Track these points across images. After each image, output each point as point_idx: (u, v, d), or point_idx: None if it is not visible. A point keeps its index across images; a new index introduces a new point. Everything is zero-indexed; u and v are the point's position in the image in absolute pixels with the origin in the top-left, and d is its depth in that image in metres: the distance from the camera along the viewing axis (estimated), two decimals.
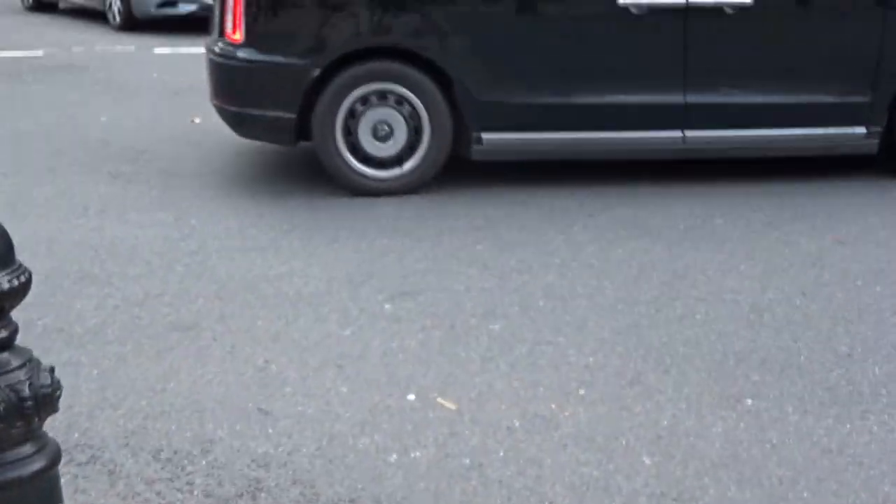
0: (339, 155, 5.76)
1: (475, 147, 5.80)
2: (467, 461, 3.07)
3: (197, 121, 7.53)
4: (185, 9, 12.14)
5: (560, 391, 3.52)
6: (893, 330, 3.98)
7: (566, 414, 3.35)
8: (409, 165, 5.81)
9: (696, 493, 2.88)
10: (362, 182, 5.80)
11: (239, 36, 5.71)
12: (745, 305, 4.25)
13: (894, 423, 3.26)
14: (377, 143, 5.76)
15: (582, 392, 3.51)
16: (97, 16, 13.63)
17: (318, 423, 3.29)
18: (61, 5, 14.99)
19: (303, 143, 5.96)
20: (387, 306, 4.26)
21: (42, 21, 14.26)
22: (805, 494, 2.86)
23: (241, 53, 5.74)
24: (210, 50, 6.03)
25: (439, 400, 3.46)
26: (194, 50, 10.17)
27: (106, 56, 10.54)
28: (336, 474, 3.00)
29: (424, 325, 4.07)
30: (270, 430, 3.25)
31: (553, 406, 3.41)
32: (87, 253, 4.87)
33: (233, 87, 5.88)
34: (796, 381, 3.58)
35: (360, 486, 2.93)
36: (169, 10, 12.24)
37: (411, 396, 3.49)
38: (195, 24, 10.81)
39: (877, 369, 3.65)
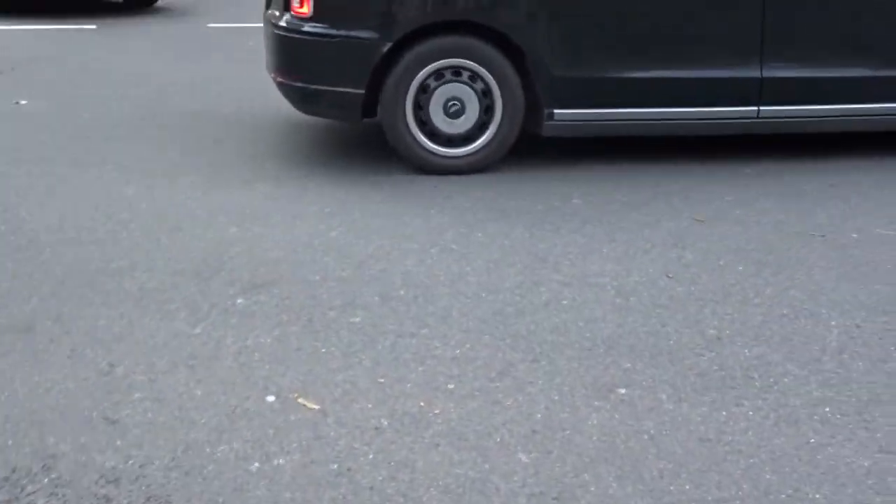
0: (409, 132, 5.68)
1: (547, 123, 5.73)
2: (335, 466, 2.93)
3: (23, 102, 7.14)
4: None
5: (428, 386, 3.41)
6: (758, 311, 4.01)
7: (436, 411, 3.25)
8: (479, 142, 5.72)
9: (577, 491, 2.81)
10: (431, 160, 5.73)
11: (307, 10, 5.58)
12: (611, 289, 4.22)
13: (769, 408, 3.26)
14: (449, 119, 5.67)
15: (451, 386, 3.41)
16: None
17: (171, 432, 3.10)
18: None
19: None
20: (239, 301, 4.08)
21: None
22: (687, 487, 2.83)
23: (308, 27, 5.61)
24: (273, 24, 5.84)
25: (300, 401, 3.31)
26: (15, 27, 9.71)
27: None
28: (194, 487, 2.82)
29: (280, 319, 3.91)
30: (119, 442, 3.04)
31: (421, 403, 3.30)
32: None
33: (299, 61, 5.76)
34: (667, 367, 3.55)
35: (220, 500, 2.77)
36: None
37: (270, 398, 3.32)
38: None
39: (746, 352, 3.66)
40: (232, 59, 8.95)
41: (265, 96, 7.38)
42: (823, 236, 4.82)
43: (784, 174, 5.81)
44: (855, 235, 4.83)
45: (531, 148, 6.20)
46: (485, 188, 5.53)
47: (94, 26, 10.15)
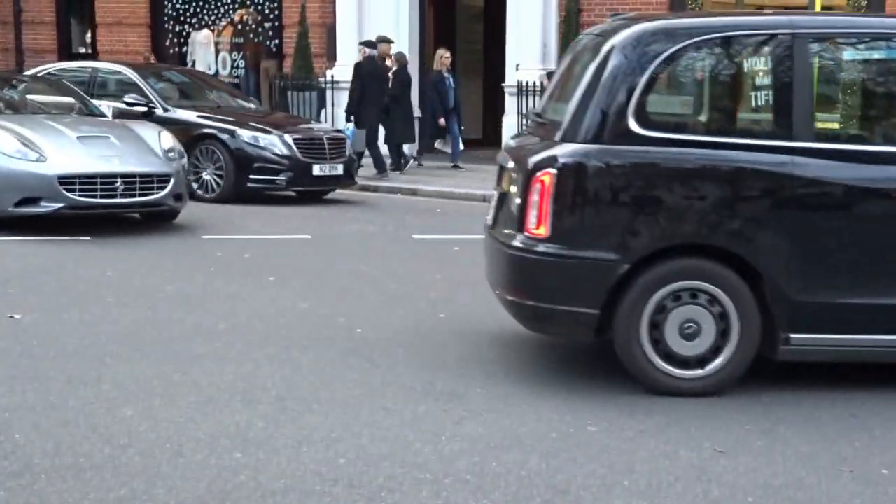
0: (643, 352, 5.68)
1: (783, 348, 5.71)
2: None
3: (17, 317, 7.06)
4: (49, 207, 10.16)
5: None
6: None
7: None
8: (714, 365, 5.70)
9: None
10: (664, 381, 5.70)
11: (544, 231, 5.66)
12: None
13: None
14: (684, 340, 5.66)
15: None
16: None
17: None
18: None
19: None
20: None
21: None
22: None
23: (544, 248, 5.68)
24: (503, 243, 5.91)
25: None
26: (9, 238, 9.76)
27: None
28: None
29: None
30: None
31: None
32: None
33: (532, 281, 5.80)
34: None
35: None
36: (29, 209, 10.20)
37: None
38: (55, 222, 10.32)
39: None
40: (227, 271, 8.94)
41: (264, 309, 7.34)
42: (852, 471, 4.70)
43: (802, 403, 5.72)
44: (885, 472, 4.71)
45: (535, 368, 6.12)
46: (496, 412, 5.41)
47: (88, 238, 10.19)
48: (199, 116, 14.09)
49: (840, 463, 4.82)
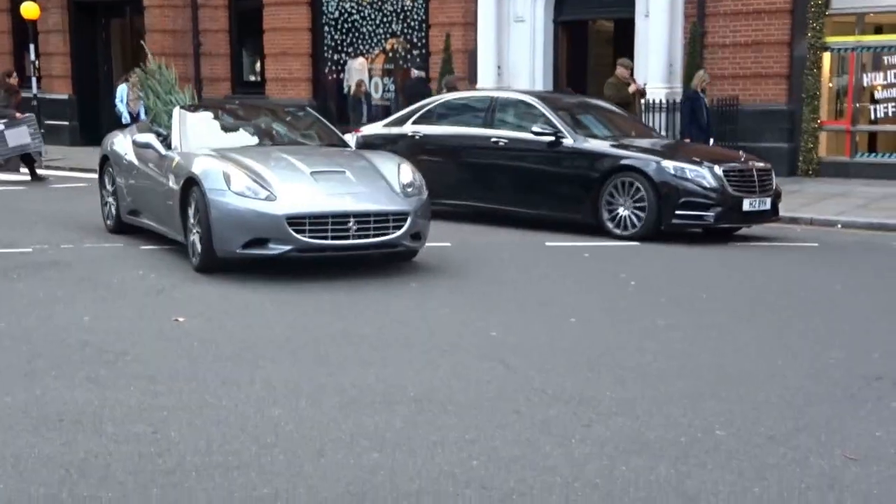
0: None
1: None
2: None
3: (181, 320, 6.99)
4: (277, 249, 8.35)
5: None
6: None
7: None
8: None
9: None
10: None
11: None
12: None
13: None
14: None
15: None
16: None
17: None
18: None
19: None
20: None
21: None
22: None
23: None
24: None
25: None
26: (174, 244, 9.75)
27: (92, 253, 10.03)
28: None
29: None
30: None
31: None
32: (57, 472, 4.24)
33: None
34: None
35: None
36: (257, 251, 8.40)
37: None
38: (283, 266, 8.72)
39: None
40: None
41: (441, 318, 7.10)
42: None
43: None
44: None
45: (662, 373, 5.74)
46: (624, 416, 5.06)
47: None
48: (613, 146, 11.68)
49: None
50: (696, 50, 16.56)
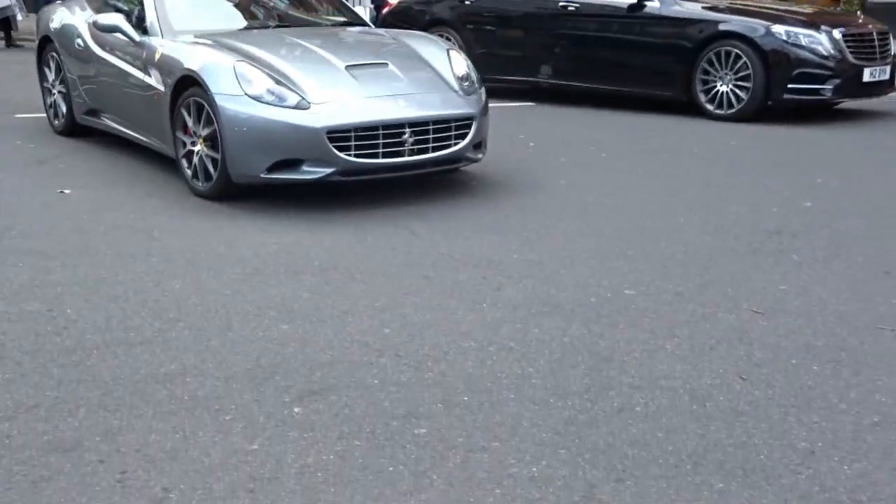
0: None
1: None
2: None
3: (66, 192, 6.67)
4: (314, 172, 6.22)
5: None
6: (847, 419, 3.49)
7: None
8: None
9: None
10: None
11: None
12: (684, 393, 3.71)
13: None
14: None
15: None
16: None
17: None
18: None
19: None
20: (296, 410, 3.57)
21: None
22: None
23: None
24: None
25: None
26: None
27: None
28: None
29: (342, 432, 3.40)
30: None
31: None
32: None
33: None
34: (764, 487, 3.04)
35: None
36: (287, 175, 6.26)
37: None
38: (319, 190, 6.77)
39: (846, 468, 3.14)
40: None
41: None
42: (893, 330, 4.31)
43: (833, 261, 5.32)
44: None
45: (568, 232, 5.73)
46: (533, 279, 5.03)
47: None
48: (707, 9, 10.06)
49: (879, 321, 4.43)
50: None
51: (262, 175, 6.22)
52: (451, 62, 7.02)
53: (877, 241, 5.68)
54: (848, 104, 10.73)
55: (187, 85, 6.51)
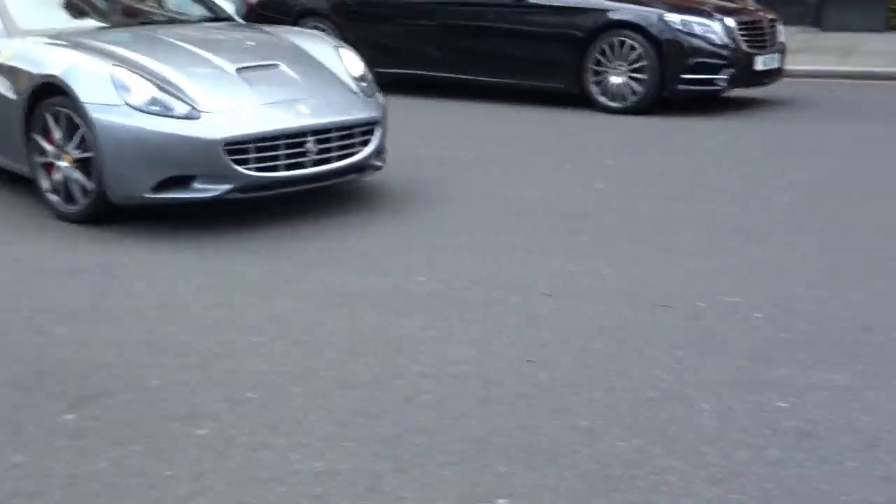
0: None
1: None
2: None
3: None
4: (209, 190, 5.49)
5: None
6: (626, 396, 3.57)
7: None
8: None
9: None
10: None
11: None
12: (473, 378, 3.72)
13: None
14: None
15: None
16: None
17: None
18: None
19: None
20: (67, 417, 3.39)
21: None
22: None
23: None
24: None
25: None
26: None
27: None
28: None
29: (117, 438, 3.24)
30: None
31: None
32: None
33: None
34: (545, 469, 3.07)
35: None
36: (177, 195, 5.50)
37: None
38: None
39: (622, 444, 3.20)
40: None
41: None
42: (671, 306, 4.44)
43: (611, 245, 5.46)
44: (702, 304, 4.47)
45: (360, 224, 5.69)
46: (326, 268, 4.96)
47: None
48: None
49: (657, 299, 4.55)
50: None
51: (146, 195, 5.43)
52: (344, 61, 6.44)
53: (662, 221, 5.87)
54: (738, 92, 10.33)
55: (47, 93, 5.64)
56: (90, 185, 5.54)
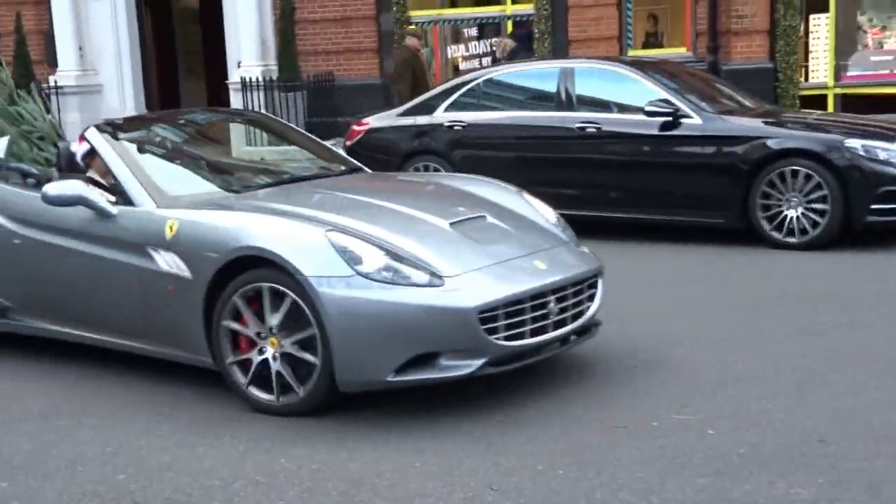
0: None
1: None
2: None
3: None
4: (461, 367, 4.70)
5: None
6: None
7: None
8: None
9: None
10: None
11: None
12: None
13: None
14: None
15: None
16: None
17: None
18: None
19: None
20: None
21: None
22: None
23: None
24: None
25: None
26: None
27: None
28: None
29: None
30: None
31: None
32: None
33: None
34: None
35: None
36: (424, 375, 4.69)
37: None
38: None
39: None
40: None
41: None
42: (626, 427, 4.50)
43: (566, 368, 5.52)
44: (655, 423, 4.53)
45: None
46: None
47: None
48: (767, 123, 8.67)
49: (612, 419, 4.60)
50: (287, 26, 16.55)
51: (389, 379, 4.61)
52: (535, 207, 5.76)
53: None
54: None
55: (242, 267, 4.79)
56: (309, 371, 4.69)
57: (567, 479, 3.94)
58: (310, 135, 7.08)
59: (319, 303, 4.54)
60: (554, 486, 3.88)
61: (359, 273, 4.57)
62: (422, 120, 9.92)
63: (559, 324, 4.97)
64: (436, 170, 9.38)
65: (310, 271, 4.57)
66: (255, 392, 4.82)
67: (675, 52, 15.20)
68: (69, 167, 5.96)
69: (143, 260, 5.09)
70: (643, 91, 8.91)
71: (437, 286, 4.64)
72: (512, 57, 14.35)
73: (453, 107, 9.82)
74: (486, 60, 16.00)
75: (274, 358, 4.74)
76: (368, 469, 4.11)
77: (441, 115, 9.81)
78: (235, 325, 4.82)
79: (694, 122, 8.64)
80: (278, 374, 4.75)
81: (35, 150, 6.32)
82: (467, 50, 16.90)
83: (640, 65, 9.54)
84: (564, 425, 4.55)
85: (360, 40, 17.01)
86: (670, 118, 8.65)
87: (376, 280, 4.57)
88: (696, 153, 8.68)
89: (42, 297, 5.64)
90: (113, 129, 5.88)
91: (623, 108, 9.10)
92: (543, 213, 5.72)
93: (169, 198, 5.28)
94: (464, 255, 4.91)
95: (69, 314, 5.53)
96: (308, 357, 4.66)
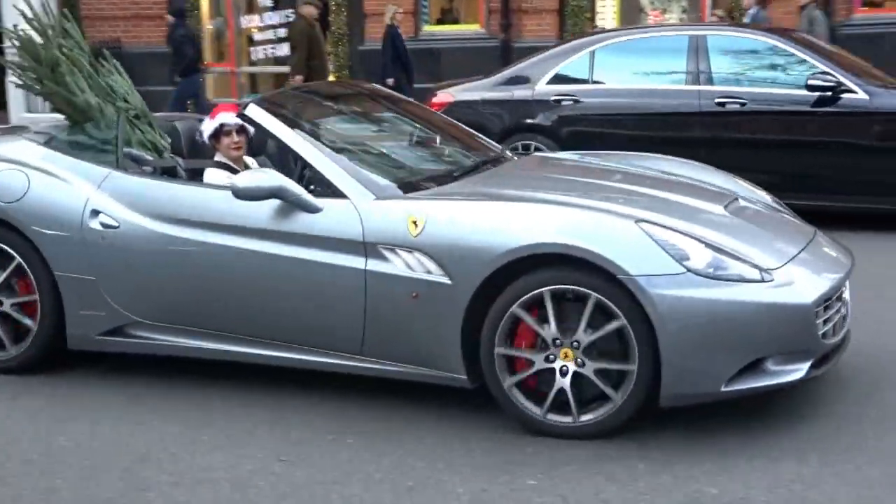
0: None
1: None
2: None
3: None
4: (789, 372, 4.07)
5: None
6: (385, 486, 3.63)
7: None
8: None
9: None
10: None
11: None
12: (226, 483, 3.65)
13: None
14: None
15: None
16: None
17: None
18: None
19: None
20: None
21: None
22: None
23: None
24: None
25: None
26: None
27: None
28: None
29: None
30: None
31: None
32: None
33: None
34: None
35: None
36: (754, 384, 4.05)
37: None
38: None
39: None
40: None
41: None
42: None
43: None
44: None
45: None
46: (63, 380, 4.71)
47: None
48: None
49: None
50: None
51: (723, 389, 3.97)
52: (756, 192, 5.15)
53: None
54: None
55: (518, 271, 4.05)
56: (612, 387, 4.00)
57: (356, 448, 3.95)
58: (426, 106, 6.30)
59: (653, 305, 3.88)
60: (345, 456, 3.88)
61: (690, 270, 3.94)
62: (520, 93, 8.71)
63: (837, 327, 4.34)
64: (537, 149, 8.17)
65: (637, 270, 3.91)
66: (554, 419, 4.04)
67: (469, 28, 15.41)
68: (192, 152, 5.19)
69: (370, 261, 4.23)
70: (792, 63, 7.97)
71: (768, 281, 4.03)
72: (171, 32, 13.41)
73: (558, 79, 8.66)
74: (282, 31, 15.69)
75: (568, 373, 4.01)
76: (154, 444, 4.01)
77: (544, 88, 8.64)
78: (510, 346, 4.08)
79: (859, 97, 7.67)
80: (577, 389, 4.03)
81: (137, 132, 5.37)
82: (261, 21, 16.60)
83: (781, 32, 8.55)
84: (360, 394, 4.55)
85: (149, 6, 16.45)
86: (830, 93, 7.67)
87: (710, 277, 3.96)
88: (878, 130, 7.68)
89: (191, 309, 4.61)
90: (277, 107, 4.91)
91: (771, 82, 8.04)
92: (767, 199, 5.11)
93: (381, 187, 4.47)
94: (771, 245, 4.36)
95: (231, 327, 4.54)
96: (621, 367, 3.97)
